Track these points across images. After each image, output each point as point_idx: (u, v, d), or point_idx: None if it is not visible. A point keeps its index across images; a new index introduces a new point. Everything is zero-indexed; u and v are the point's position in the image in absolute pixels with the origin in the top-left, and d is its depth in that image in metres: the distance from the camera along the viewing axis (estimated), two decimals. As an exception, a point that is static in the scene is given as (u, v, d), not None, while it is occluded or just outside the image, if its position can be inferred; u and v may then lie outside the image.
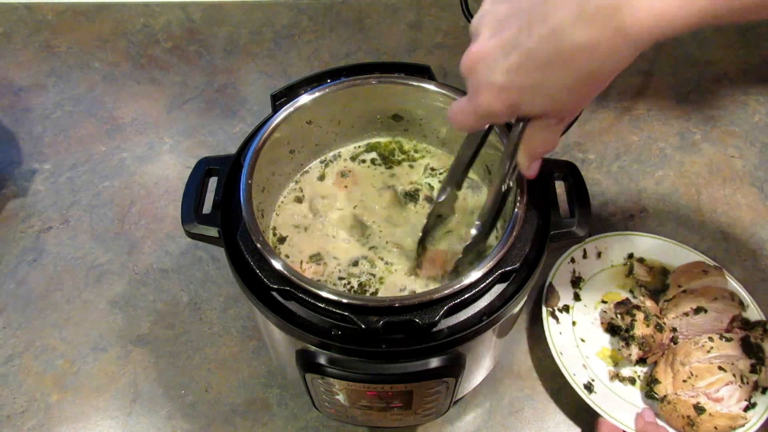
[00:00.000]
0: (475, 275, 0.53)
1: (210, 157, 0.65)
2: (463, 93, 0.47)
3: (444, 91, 0.65)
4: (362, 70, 0.68)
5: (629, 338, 0.73)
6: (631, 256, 0.84)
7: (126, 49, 1.13)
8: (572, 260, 0.81)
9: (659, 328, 0.73)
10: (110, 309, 0.83)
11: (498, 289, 0.55)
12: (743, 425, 0.68)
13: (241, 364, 0.78)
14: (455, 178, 0.61)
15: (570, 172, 0.64)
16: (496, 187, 0.55)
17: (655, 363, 0.75)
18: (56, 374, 0.78)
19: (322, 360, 0.55)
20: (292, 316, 0.53)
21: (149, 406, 0.75)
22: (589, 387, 0.71)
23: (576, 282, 0.81)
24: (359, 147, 0.74)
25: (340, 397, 0.59)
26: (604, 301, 0.80)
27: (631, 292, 0.82)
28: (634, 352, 0.72)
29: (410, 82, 0.67)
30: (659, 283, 0.83)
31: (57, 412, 0.75)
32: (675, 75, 1.08)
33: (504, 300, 0.54)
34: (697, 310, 0.77)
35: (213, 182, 0.63)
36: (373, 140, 0.75)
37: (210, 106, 1.05)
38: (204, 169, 0.63)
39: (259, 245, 0.54)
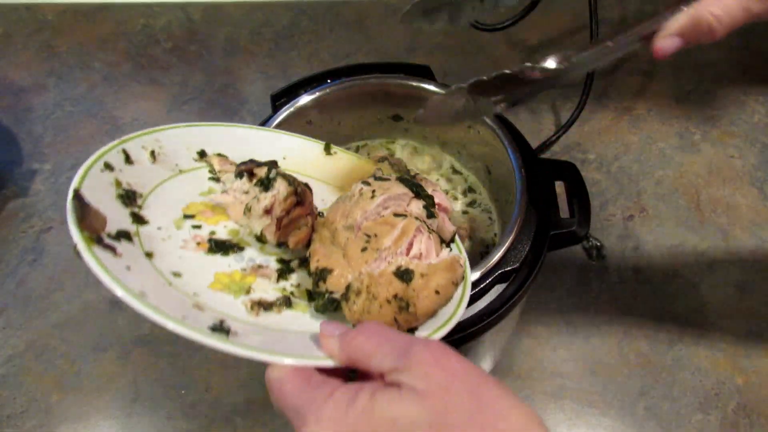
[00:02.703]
0: (474, 276, 0.53)
1: (210, 157, 0.65)
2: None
3: (444, 92, 0.65)
4: (362, 70, 0.68)
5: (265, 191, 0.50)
6: (203, 153, 0.60)
7: (126, 49, 1.13)
8: (107, 167, 0.53)
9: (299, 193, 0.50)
10: (110, 309, 0.83)
11: (498, 289, 0.55)
12: (463, 273, 0.49)
13: (241, 364, 0.78)
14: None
15: (570, 172, 0.64)
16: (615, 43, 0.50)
17: (309, 253, 0.51)
18: (56, 374, 0.78)
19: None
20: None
21: (149, 406, 0.75)
22: (219, 328, 0.45)
23: (129, 198, 0.53)
24: (358, 147, 0.75)
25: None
26: (189, 216, 0.55)
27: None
28: (267, 200, 0.49)
29: (410, 82, 0.67)
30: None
31: (57, 412, 0.75)
32: (675, 75, 1.08)
33: (504, 300, 0.55)
34: None
35: (213, 182, 0.63)
36: (373, 140, 0.75)
37: (210, 106, 1.05)
38: (204, 169, 0.63)
39: (258, 245, 0.55)
